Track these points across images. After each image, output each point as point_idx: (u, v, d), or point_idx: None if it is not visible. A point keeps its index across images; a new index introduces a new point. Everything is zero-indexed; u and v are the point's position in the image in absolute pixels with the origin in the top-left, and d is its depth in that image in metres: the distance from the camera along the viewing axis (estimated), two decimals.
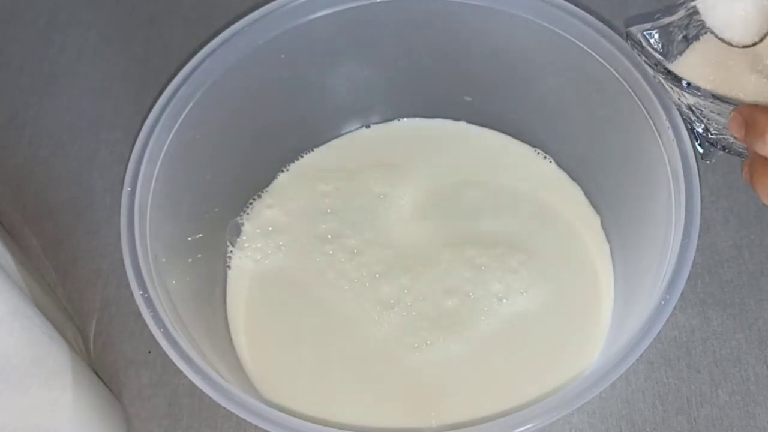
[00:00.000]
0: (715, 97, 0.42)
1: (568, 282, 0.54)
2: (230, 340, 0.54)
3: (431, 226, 0.56)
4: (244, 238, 0.57)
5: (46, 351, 0.44)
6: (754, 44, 0.44)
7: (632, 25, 0.46)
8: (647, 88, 0.47)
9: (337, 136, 0.61)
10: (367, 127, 0.61)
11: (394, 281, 0.54)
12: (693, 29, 0.46)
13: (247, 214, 0.57)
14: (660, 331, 0.41)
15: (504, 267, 0.54)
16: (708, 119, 0.44)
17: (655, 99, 0.46)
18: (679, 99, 0.45)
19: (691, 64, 0.45)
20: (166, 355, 0.42)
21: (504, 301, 0.53)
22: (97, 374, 0.52)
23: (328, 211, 0.57)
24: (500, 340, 0.52)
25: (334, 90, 0.58)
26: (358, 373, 0.52)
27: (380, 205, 0.57)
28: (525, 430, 0.39)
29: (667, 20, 0.46)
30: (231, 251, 0.56)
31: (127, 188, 0.46)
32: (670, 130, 0.45)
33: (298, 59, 0.54)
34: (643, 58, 0.45)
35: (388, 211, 0.57)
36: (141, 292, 0.43)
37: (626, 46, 0.48)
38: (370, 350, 0.52)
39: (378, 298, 0.54)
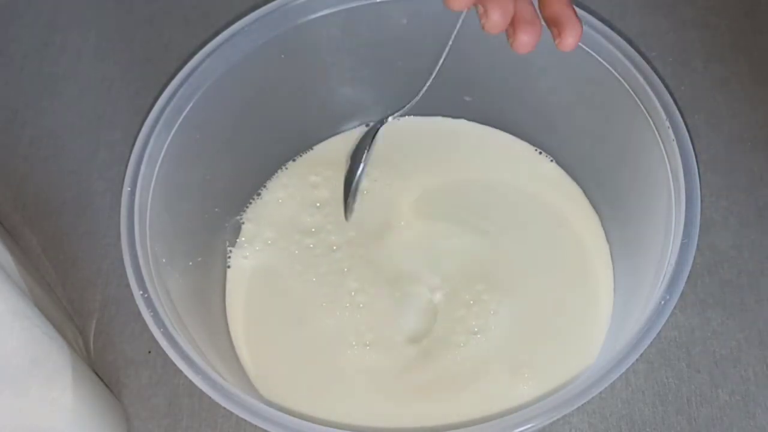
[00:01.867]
0: None
1: (568, 282, 0.54)
2: (230, 339, 0.54)
3: (427, 226, 0.56)
4: (244, 238, 0.57)
5: (46, 351, 0.44)
6: None
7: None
8: (647, 88, 0.47)
9: (336, 134, 0.61)
10: (367, 125, 0.61)
11: (386, 286, 0.54)
12: None
13: (247, 214, 0.57)
14: (660, 331, 0.41)
15: (504, 265, 0.54)
16: None
17: (655, 99, 0.46)
18: None
19: None
20: (166, 355, 0.42)
21: (504, 300, 0.53)
22: (97, 374, 0.52)
23: (327, 214, 0.57)
24: (499, 341, 0.52)
25: (333, 89, 0.58)
26: (355, 373, 0.52)
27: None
28: (525, 430, 0.39)
29: None
30: (231, 251, 0.56)
31: (127, 188, 0.46)
32: (670, 130, 0.45)
33: (298, 59, 0.54)
34: None
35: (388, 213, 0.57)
36: (141, 292, 0.43)
37: (626, 46, 0.48)
38: (366, 352, 0.52)
39: (360, 301, 0.54)
